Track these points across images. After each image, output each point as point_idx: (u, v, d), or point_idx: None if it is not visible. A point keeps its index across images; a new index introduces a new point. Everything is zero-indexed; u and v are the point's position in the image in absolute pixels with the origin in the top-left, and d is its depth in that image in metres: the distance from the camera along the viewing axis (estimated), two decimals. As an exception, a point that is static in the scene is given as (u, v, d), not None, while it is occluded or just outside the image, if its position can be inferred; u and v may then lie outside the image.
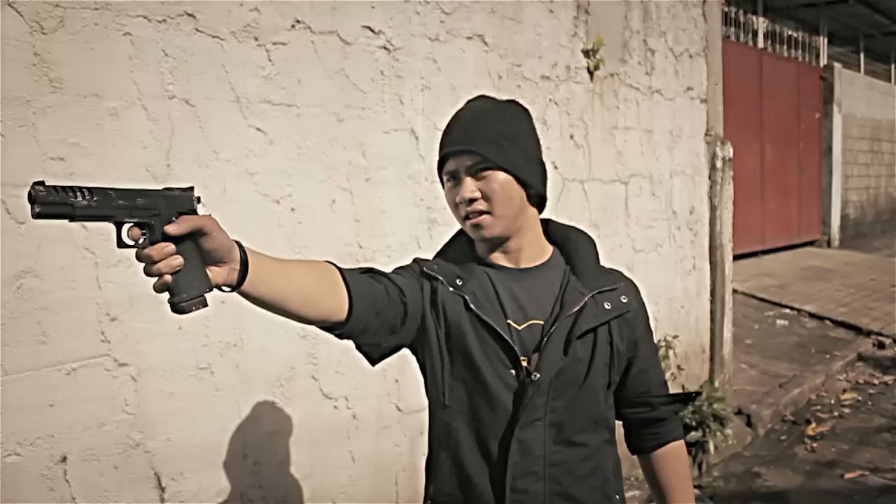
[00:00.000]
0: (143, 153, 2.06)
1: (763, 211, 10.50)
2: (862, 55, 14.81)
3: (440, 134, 1.47)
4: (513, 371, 1.41)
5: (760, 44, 10.98)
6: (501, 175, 1.38)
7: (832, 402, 5.42)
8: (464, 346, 1.42)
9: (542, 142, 1.51)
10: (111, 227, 1.06)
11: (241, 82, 2.27)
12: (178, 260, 1.05)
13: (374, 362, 1.45)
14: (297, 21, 2.41)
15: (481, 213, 1.39)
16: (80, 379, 1.97)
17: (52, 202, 0.94)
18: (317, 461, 2.53)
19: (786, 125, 11.16)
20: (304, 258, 2.44)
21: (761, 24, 11.05)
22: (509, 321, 1.43)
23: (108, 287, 2.00)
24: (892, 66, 16.47)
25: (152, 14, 2.06)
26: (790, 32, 11.86)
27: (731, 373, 5.07)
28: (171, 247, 1.04)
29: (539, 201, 1.49)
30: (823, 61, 12.75)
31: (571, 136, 3.54)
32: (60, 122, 1.91)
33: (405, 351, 1.50)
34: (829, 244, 12.38)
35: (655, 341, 1.67)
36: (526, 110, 1.51)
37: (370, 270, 1.41)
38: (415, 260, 1.51)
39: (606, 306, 1.45)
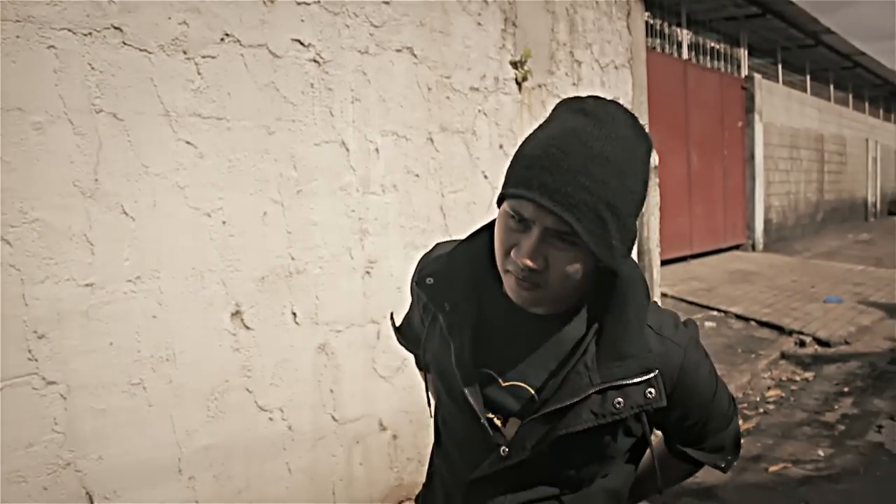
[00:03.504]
0: (70, 167, 2.04)
1: (691, 217, 10.81)
2: (780, 66, 15.40)
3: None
4: (484, 423, 1.16)
5: (685, 55, 11.32)
6: (583, 259, 1.06)
7: (757, 399, 5.61)
8: (447, 379, 1.23)
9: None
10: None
11: (169, 96, 2.27)
12: None
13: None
14: (227, 34, 2.42)
15: (533, 283, 1.08)
16: (7, 399, 1.93)
17: None
18: (253, 474, 2.52)
19: (711, 133, 11.53)
20: (236, 271, 2.44)
21: (685, 36, 11.40)
22: (489, 371, 1.19)
23: (35, 304, 1.97)
24: (808, 78, 17.17)
25: (77, 27, 2.05)
26: (713, 44, 12.26)
27: (661, 374, 5.21)
28: None
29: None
30: (745, 72, 13.22)
31: (501, 146, 3.62)
32: (-18, 137, 1.88)
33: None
34: (753, 248, 12.81)
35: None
36: (649, 149, 1.11)
37: None
38: (436, 244, 1.33)
39: (617, 404, 1.12)
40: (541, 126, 1.11)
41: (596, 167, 1.02)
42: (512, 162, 1.10)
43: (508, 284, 1.12)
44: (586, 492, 1.22)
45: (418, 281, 1.25)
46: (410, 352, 1.38)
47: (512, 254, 1.08)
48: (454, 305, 1.20)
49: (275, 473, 2.60)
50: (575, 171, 1.01)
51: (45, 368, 2.00)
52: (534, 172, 1.04)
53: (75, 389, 2.07)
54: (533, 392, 1.16)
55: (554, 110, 1.13)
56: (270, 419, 2.57)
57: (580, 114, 1.07)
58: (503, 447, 1.15)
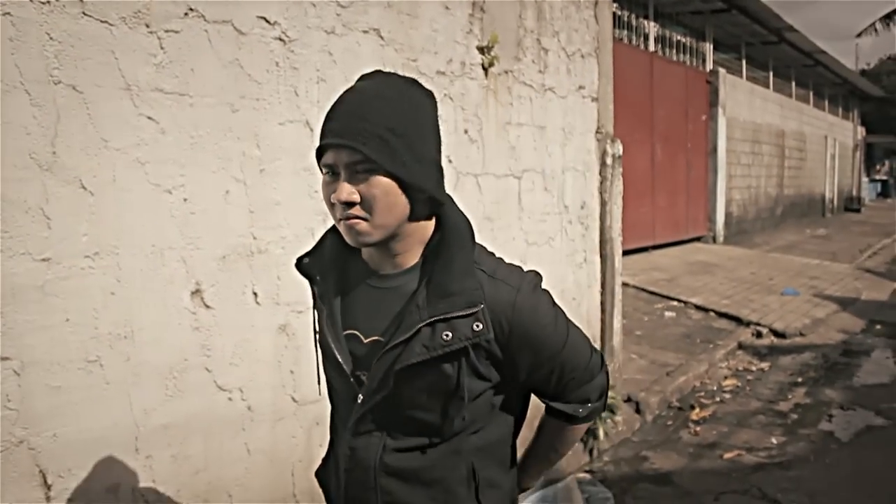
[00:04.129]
0: (27, 139, 2.00)
1: (654, 208, 10.93)
2: (744, 62, 15.61)
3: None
4: (352, 379, 1.33)
5: (651, 47, 11.41)
6: (385, 180, 1.21)
7: (714, 388, 5.72)
8: (322, 341, 1.38)
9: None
10: None
11: (131, 69, 2.23)
12: None
13: None
14: (191, 9, 2.38)
15: (358, 217, 1.22)
16: (-42, 373, 1.90)
17: None
18: (211, 454, 2.51)
19: (675, 125, 11.65)
20: (197, 249, 2.42)
21: (652, 28, 11.49)
22: (356, 331, 1.34)
23: (-11, 277, 1.94)
24: (770, 74, 17.42)
25: (35, -4, 2.00)
26: (679, 38, 12.38)
27: (621, 362, 5.27)
28: None
29: (432, 203, 1.31)
30: (709, 66, 13.37)
31: (466, 131, 3.62)
32: (-65, 105, 1.83)
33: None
34: (714, 240, 13.00)
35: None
36: (428, 95, 1.31)
37: None
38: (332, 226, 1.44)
39: (445, 336, 1.24)
40: None
41: (369, 103, 1.21)
42: None
43: (343, 232, 1.26)
44: (457, 446, 1.34)
45: (296, 260, 1.41)
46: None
47: (332, 199, 1.23)
48: (324, 275, 1.37)
49: (233, 454, 2.58)
50: (353, 110, 1.21)
51: (-1, 344, 1.97)
52: (325, 126, 1.24)
53: (29, 366, 2.03)
54: (384, 341, 1.30)
55: None
56: (230, 399, 2.56)
57: (361, 79, 1.30)
58: (359, 394, 1.31)
